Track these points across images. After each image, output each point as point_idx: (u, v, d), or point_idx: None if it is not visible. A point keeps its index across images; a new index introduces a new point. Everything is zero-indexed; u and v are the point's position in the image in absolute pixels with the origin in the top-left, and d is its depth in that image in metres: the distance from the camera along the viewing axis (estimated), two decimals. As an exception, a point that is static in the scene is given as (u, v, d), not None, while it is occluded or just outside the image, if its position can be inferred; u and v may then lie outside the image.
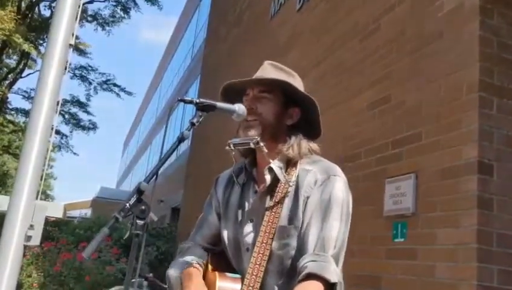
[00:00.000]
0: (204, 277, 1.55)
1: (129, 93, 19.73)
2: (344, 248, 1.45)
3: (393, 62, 3.89)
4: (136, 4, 16.84)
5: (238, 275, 1.50)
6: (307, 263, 1.36)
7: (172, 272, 1.59)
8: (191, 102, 1.67)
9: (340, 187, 1.47)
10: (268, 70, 1.62)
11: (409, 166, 3.43)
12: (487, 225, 2.76)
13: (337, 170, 1.52)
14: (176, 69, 22.91)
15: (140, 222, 1.50)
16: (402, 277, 3.29)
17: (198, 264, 1.56)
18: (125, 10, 16.89)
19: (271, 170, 1.52)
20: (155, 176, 1.60)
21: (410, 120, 3.53)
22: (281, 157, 1.53)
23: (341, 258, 1.43)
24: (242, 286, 1.43)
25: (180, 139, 1.60)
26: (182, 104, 1.66)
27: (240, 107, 1.67)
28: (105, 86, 18.82)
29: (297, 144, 1.53)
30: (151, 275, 6.35)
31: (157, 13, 25.72)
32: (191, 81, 17.03)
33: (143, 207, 1.50)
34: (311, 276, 1.33)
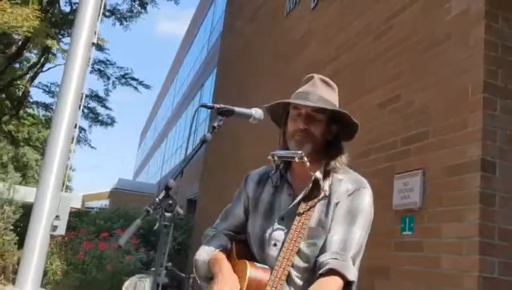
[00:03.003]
0: (235, 265, 1.69)
1: (147, 87, 20.05)
2: (361, 253, 1.64)
3: (404, 62, 4.04)
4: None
5: (266, 266, 1.64)
6: (329, 260, 1.54)
7: (199, 257, 1.75)
8: (212, 107, 1.86)
9: (367, 199, 1.68)
10: (320, 87, 1.75)
11: (416, 163, 3.59)
12: (489, 219, 2.93)
13: (366, 182, 1.72)
14: (192, 62, 23.11)
15: (168, 215, 1.71)
16: (409, 268, 3.46)
17: (223, 251, 1.73)
18: (143, 5, 17.15)
19: (316, 180, 1.67)
20: (180, 174, 1.80)
21: (418, 119, 3.68)
22: (321, 168, 1.70)
23: (357, 261, 1.61)
24: (270, 276, 1.59)
25: (203, 141, 1.80)
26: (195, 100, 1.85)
27: (256, 111, 1.86)
28: (123, 80, 19.16)
29: (339, 158, 1.72)
30: (170, 264, 6.60)
31: (175, 5, 25.82)
32: (207, 74, 17.21)
33: (170, 201, 1.70)
34: (332, 271, 1.51)
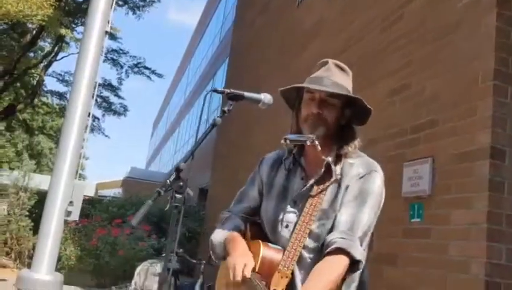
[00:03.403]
0: (249, 245, 1.73)
1: (159, 75, 20.13)
2: (369, 234, 1.66)
3: (414, 51, 4.04)
4: (165, -12, 17.03)
5: (279, 247, 1.69)
6: (336, 239, 1.57)
7: (215, 238, 1.80)
8: (222, 92, 1.91)
9: (378, 183, 1.70)
10: (335, 73, 1.76)
11: (426, 150, 3.60)
12: (498, 206, 2.94)
13: (377, 166, 1.74)
14: (204, 52, 23.13)
15: (178, 196, 1.75)
16: (417, 255, 3.49)
17: (238, 232, 1.78)
18: (155, -6, 17.17)
19: (328, 164, 1.70)
20: (191, 156, 1.85)
21: (428, 107, 3.69)
22: (333, 152, 1.73)
23: (365, 242, 1.64)
24: (283, 256, 1.64)
25: (213, 125, 1.84)
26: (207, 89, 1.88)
27: (265, 96, 1.89)
28: (136, 69, 19.26)
29: (352, 142, 1.74)
30: (181, 250, 6.69)
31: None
32: (219, 64, 17.23)
33: (181, 183, 1.74)
34: (339, 250, 1.54)
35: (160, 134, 39.88)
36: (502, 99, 3.07)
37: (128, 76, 19.54)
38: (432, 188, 3.46)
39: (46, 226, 5.76)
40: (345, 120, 1.75)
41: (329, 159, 1.70)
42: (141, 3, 17.51)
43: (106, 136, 24.03)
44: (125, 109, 20.45)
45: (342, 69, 1.79)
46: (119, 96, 20.19)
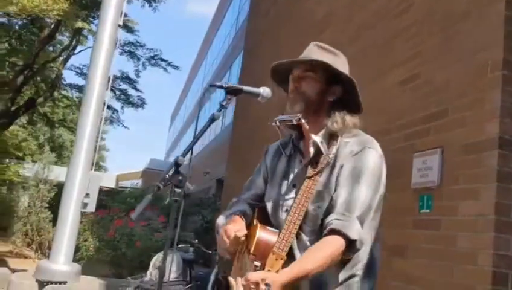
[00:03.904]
0: (249, 227, 1.77)
1: (176, 67, 20.20)
2: (370, 211, 1.61)
3: (424, 40, 3.99)
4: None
5: (277, 230, 1.69)
6: (332, 220, 1.56)
7: (219, 221, 1.84)
8: (221, 86, 1.92)
9: (372, 158, 1.64)
10: (313, 51, 1.78)
11: (435, 141, 3.57)
12: (505, 197, 2.90)
13: (374, 143, 1.69)
14: (221, 43, 23.15)
15: (178, 190, 1.78)
16: (426, 246, 3.48)
17: (242, 215, 1.80)
18: (171, -14, 17.18)
19: (315, 143, 1.70)
20: (191, 151, 1.87)
21: (437, 97, 3.65)
22: (324, 131, 1.71)
23: (367, 220, 1.59)
24: (277, 238, 1.63)
25: (212, 120, 1.86)
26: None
27: (264, 90, 1.90)
28: (153, 62, 19.36)
29: (340, 119, 1.70)
30: (196, 241, 6.76)
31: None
32: (235, 55, 17.24)
33: (180, 177, 1.76)
34: (334, 231, 1.53)
35: (178, 126, 40.14)
36: (511, 89, 3.02)
37: (145, 68, 19.70)
38: (441, 179, 3.44)
39: (64, 217, 5.89)
40: (333, 96, 1.73)
41: (318, 137, 1.69)
42: (157, -5, 17.57)
43: (125, 127, 24.36)
44: (143, 101, 20.62)
45: (323, 48, 1.78)
46: (136, 89, 20.38)
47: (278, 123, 1.75)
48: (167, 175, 1.75)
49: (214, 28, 27.03)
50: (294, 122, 1.69)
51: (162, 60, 19.60)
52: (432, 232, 3.44)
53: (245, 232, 1.69)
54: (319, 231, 1.63)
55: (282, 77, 1.82)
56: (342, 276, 1.62)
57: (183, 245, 7.45)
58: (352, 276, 1.63)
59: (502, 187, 2.92)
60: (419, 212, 3.62)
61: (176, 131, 41.54)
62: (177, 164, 1.75)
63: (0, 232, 12.16)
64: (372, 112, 4.62)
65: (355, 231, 1.54)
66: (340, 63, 1.76)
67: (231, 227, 1.69)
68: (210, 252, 6.09)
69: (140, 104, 20.54)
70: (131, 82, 19.78)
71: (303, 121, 1.68)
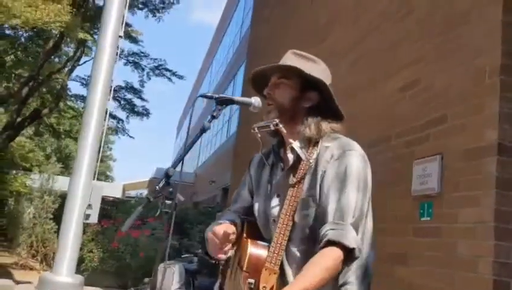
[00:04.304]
0: (240, 243, 1.75)
1: (180, 77, 20.29)
2: (363, 216, 1.58)
3: (424, 45, 3.97)
4: (184, -11, 17.16)
5: (267, 244, 1.67)
6: (327, 231, 1.51)
7: (209, 230, 1.78)
8: (211, 97, 1.90)
9: (355, 160, 1.60)
10: (289, 58, 1.77)
11: (435, 148, 3.54)
12: (505, 204, 2.86)
13: (354, 145, 1.65)
14: (226, 51, 23.22)
15: (168, 202, 1.77)
16: (427, 254, 3.43)
17: (230, 222, 1.75)
18: (174, -5, 17.32)
19: (293, 149, 1.69)
20: (181, 162, 1.85)
21: (437, 103, 3.62)
22: (302, 137, 1.69)
23: (360, 227, 1.56)
24: (268, 252, 1.61)
25: (202, 130, 1.84)
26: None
27: (255, 100, 1.89)
28: (157, 72, 19.46)
29: (314, 125, 1.67)
30: (200, 251, 6.74)
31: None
32: (240, 63, 17.27)
33: (171, 189, 1.75)
34: (330, 243, 1.49)
35: (185, 135, 40.18)
36: (509, 95, 2.99)
37: (150, 78, 19.79)
38: (441, 186, 3.40)
39: (66, 228, 5.88)
40: (309, 103, 1.71)
41: (296, 143, 1.68)
42: (160, 6, 17.67)
43: (131, 137, 24.38)
44: (148, 111, 20.71)
45: (299, 55, 1.77)
46: (142, 99, 20.47)
47: (256, 130, 1.73)
48: (157, 187, 1.74)
49: (218, 36, 27.14)
50: (272, 128, 1.68)
51: (167, 69, 19.71)
52: (433, 240, 3.40)
53: (234, 230, 1.67)
54: (308, 239, 1.61)
55: (263, 85, 1.80)
56: (334, 284, 1.58)
57: (187, 255, 7.43)
58: (345, 284, 1.60)
59: (501, 194, 2.88)
60: (420, 219, 3.59)
61: (183, 140, 41.62)
62: (167, 176, 1.74)
63: (5, 243, 12.20)
64: (372, 118, 4.60)
65: (352, 239, 1.50)
66: (319, 70, 1.74)
67: (219, 227, 1.67)
68: (214, 262, 6.05)
69: (145, 113, 20.62)
70: (136, 92, 19.89)
71: (280, 126, 1.66)
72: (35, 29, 12.57)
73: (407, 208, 3.75)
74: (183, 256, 7.61)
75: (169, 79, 19.81)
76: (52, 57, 15.86)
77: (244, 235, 1.77)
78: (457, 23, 3.55)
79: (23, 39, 16.90)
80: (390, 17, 4.62)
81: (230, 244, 1.69)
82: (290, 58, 1.76)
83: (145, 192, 30.13)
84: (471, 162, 3.15)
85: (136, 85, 20.11)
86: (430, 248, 3.40)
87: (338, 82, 5.98)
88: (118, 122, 20.88)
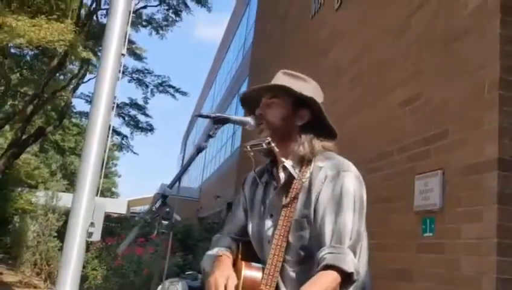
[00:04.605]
0: (235, 264, 1.72)
1: (184, 94, 20.41)
2: (360, 238, 1.56)
3: (423, 60, 3.98)
4: (187, 6, 17.35)
5: (261, 265, 1.65)
6: (325, 255, 1.49)
7: (205, 265, 1.77)
8: (207, 116, 1.90)
9: (350, 181, 1.58)
10: (279, 78, 1.78)
11: (436, 163, 3.52)
12: (507, 219, 2.84)
13: (349, 165, 1.63)
14: (229, 67, 23.36)
15: (165, 222, 1.76)
16: (431, 270, 3.40)
17: (227, 252, 1.73)
18: (177, 13, 17.48)
19: (285, 168, 1.68)
20: (178, 182, 1.85)
21: (438, 117, 3.62)
22: (294, 156, 1.68)
23: (358, 249, 1.54)
24: (263, 274, 1.60)
25: (198, 150, 1.84)
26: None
27: (252, 119, 1.89)
28: (161, 88, 19.59)
29: (307, 143, 1.66)
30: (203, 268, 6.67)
31: (213, 10, 26.19)
32: (242, 79, 17.35)
33: (167, 209, 1.74)
34: (328, 267, 1.47)
35: (190, 149, 40.25)
36: (508, 109, 2.98)
37: (153, 95, 19.91)
38: (443, 201, 3.38)
39: (69, 246, 5.84)
40: (301, 121, 1.70)
41: (289, 162, 1.67)
42: (164, 23, 17.83)
43: (135, 153, 24.45)
44: (152, 127, 20.80)
45: (290, 74, 1.78)
46: (146, 115, 20.57)
47: (249, 148, 1.72)
48: (154, 207, 1.74)
49: (221, 53, 27.30)
50: (264, 146, 1.67)
51: (170, 86, 19.83)
52: (436, 256, 3.37)
53: (235, 282, 1.62)
54: (303, 261, 1.59)
55: (255, 105, 1.80)
56: None
57: (190, 272, 7.38)
58: None
59: (503, 209, 2.85)
60: (423, 235, 3.56)
61: (187, 155, 41.66)
62: (163, 196, 1.74)
63: (10, 261, 12.18)
64: (374, 133, 4.59)
65: (350, 262, 1.48)
66: (309, 88, 1.74)
67: (220, 280, 1.60)
68: None
69: (149, 129, 20.70)
70: (140, 108, 20.00)
71: (273, 144, 1.65)
72: (40, 48, 12.68)
73: (409, 223, 3.73)
74: (186, 273, 7.55)
75: (173, 96, 19.94)
76: (57, 74, 15.99)
77: (240, 256, 1.75)
78: (456, 38, 3.56)
79: (28, 57, 17.09)
80: (390, 32, 4.64)
81: None
82: (281, 78, 1.77)
83: (144, 208, 30.14)
84: (472, 177, 3.14)
85: (140, 102, 20.25)
86: (433, 264, 3.37)
87: (339, 97, 6.00)
88: (123, 139, 20.98)
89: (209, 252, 1.82)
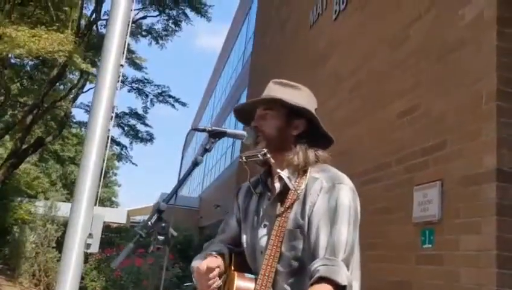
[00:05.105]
0: (228, 275, 1.71)
1: (183, 104, 20.42)
2: (354, 251, 1.56)
3: (421, 71, 3.98)
4: (187, 17, 17.42)
5: (254, 276, 1.64)
6: (318, 267, 1.48)
7: (194, 264, 1.75)
8: (203, 130, 1.89)
9: (345, 194, 1.58)
10: (271, 88, 1.77)
11: (435, 174, 3.51)
12: (506, 231, 2.83)
13: (344, 178, 1.63)
14: (229, 77, 23.41)
15: (161, 238, 1.74)
16: (430, 282, 3.38)
17: (216, 254, 1.72)
18: (177, 23, 17.54)
19: (280, 178, 1.67)
20: (175, 197, 1.84)
21: (436, 129, 3.61)
22: (289, 166, 1.68)
23: (351, 262, 1.54)
24: (255, 285, 1.59)
25: (195, 164, 1.83)
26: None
27: (247, 131, 1.89)
28: (161, 98, 19.60)
29: (302, 152, 1.66)
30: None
31: (214, 19, 26.26)
32: (242, 89, 17.38)
33: (163, 224, 1.73)
34: (322, 279, 1.45)
35: (189, 160, 40.24)
36: (506, 120, 2.98)
37: (153, 105, 19.93)
38: (442, 212, 3.37)
39: (67, 257, 5.81)
40: (297, 131, 1.70)
41: (284, 172, 1.66)
42: (164, 33, 17.89)
43: (134, 164, 24.40)
44: (152, 136, 20.79)
45: (282, 84, 1.77)
46: (146, 124, 20.58)
47: (244, 159, 1.72)
48: (150, 222, 1.72)
49: (221, 62, 27.37)
50: (260, 157, 1.66)
51: (170, 96, 19.84)
52: (435, 268, 3.35)
53: (218, 263, 1.64)
54: (296, 272, 1.58)
55: (250, 117, 1.79)
56: None
57: (190, 283, 7.33)
58: None
59: (502, 221, 2.84)
60: (422, 247, 3.54)
61: (187, 165, 41.57)
62: (159, 211, 1.72)
63: (8, 272, 12.12)
64: (372, 144, 4.59)
65: (344, 275, 1.47)
66: (303, 96, 1.74)
67: (202, 264, 1.64)
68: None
69: (149, 138, 20.69)
70: (139, 118, 20.00)
71: (268, 155, 1.65)
72: (40, 58, 12.72)
73: (408, 235, 3.71)
74: (185, 284, 7.52)
75: (173, 106, 19.95)
76: (57, 84, 16.02)
77: (232, 267, 1.73)
78: (453, 49, 3.56)
79: (28, 68, 17.13)
80: (389, 43, 4.65)
81: (217, 278, 1.66)
82: (273, 89, 1.76)
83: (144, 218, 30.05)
84: (470, 188, 3.13)
85: (140, 111, 20.26)
86: (432, 276, 3.34)
87: (338, 107, 5.99)
88: (122, 149, 20.96)
89: (198, 255, 1.81)
